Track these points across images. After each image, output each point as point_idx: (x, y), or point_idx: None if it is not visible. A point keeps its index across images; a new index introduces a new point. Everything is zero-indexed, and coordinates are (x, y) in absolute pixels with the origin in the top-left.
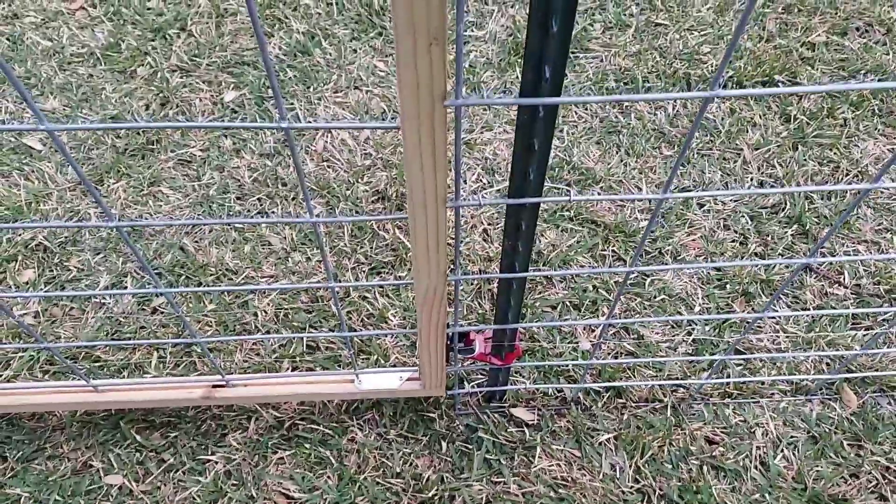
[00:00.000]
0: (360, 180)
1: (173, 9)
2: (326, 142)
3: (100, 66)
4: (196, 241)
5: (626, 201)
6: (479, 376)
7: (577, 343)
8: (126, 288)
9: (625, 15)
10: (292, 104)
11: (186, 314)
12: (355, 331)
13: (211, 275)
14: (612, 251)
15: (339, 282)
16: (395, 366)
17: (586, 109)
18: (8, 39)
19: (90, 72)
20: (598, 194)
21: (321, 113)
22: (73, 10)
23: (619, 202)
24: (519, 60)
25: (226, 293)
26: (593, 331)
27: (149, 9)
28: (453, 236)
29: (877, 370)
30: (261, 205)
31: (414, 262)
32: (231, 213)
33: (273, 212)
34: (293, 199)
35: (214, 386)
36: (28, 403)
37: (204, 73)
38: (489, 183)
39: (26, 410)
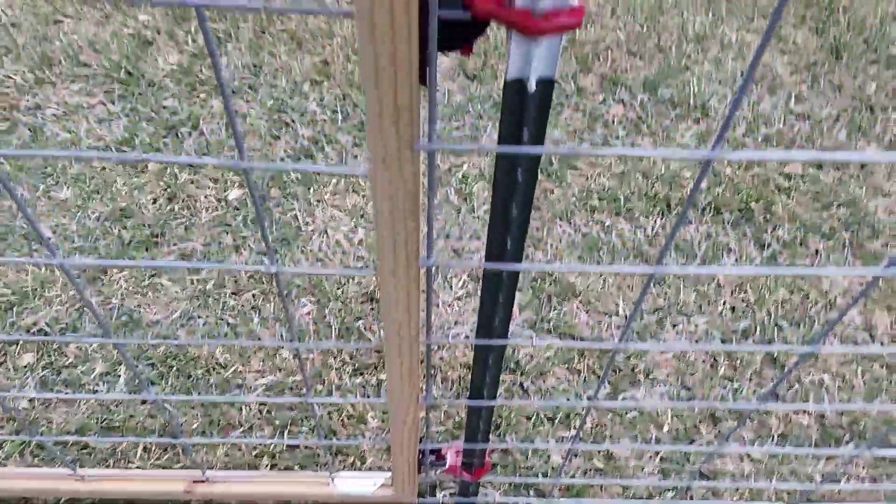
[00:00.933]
0: (351, 280)
1: (188, 108)
2: (321, 241)
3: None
4: (190, 333)
5: (602, 317)
6: (452, 485)
7: (548, 456)
8: (119, 377)
9: (611, 137)
10: (293, 206)
11: (174, 405)
12: (335, 432)
13: (201, 368)
14: (587, 365)
15: (324, 382)
16: (371, 468)
17: (570, 224)
18: (30, 129)
19: (104, 164)
20: (577, 307)
21: (319, 214)
22: (92, 104)
23: (596, 317)
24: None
25: (213, 387)
26: (564, 438)
27: (164, 107)
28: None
29: (836, 501)
30: (254, 300)
31: (388, 386)
32: (225, 307)
33: (265, 307)
34: (287, 295)
35: (195, 481)
36: (16, 489)
37: (211, 171)
38: (473, 290)
39: (14, 495)
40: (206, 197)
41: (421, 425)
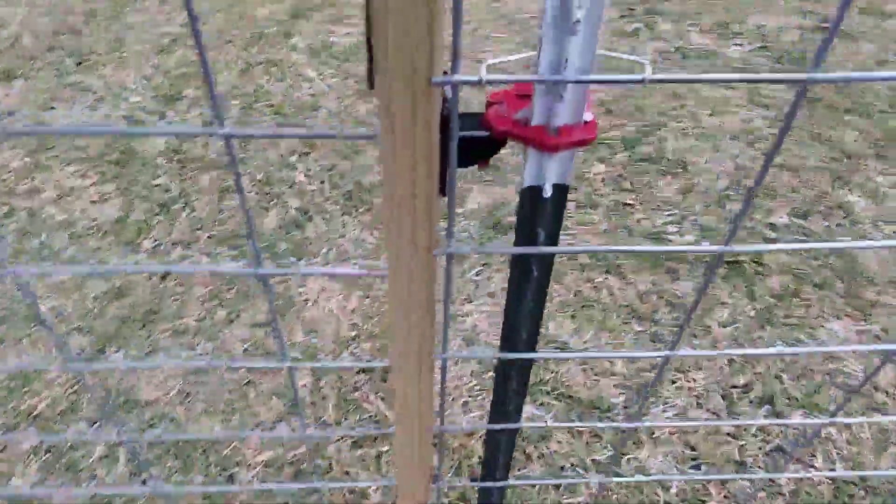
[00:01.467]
0: (345, 350)
1: (178, 185)
2: (315, 311)
3: (108, 237)
4: (188, 411)
5: (599, 377)
6: None
7: None
8: (119, 458)
9: (595, 195)
10: (286, 277)
11: (174, 483)
12: None
13: (200, 446)
14: (587, 427)
15: (323, 456)
16: None
17: (561, 284)
18: (27, 213)
19: (98, 244)
20: (574, 367)
21: (310, 284)
22: (86, 185)
23: (593, 375)
24: (497, 234)
25: (212, 465)
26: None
27: (156, 185)
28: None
29: None
30: (249, 374)
31: (398, 475)
32: (222, 381)
33: (261, 382)
34: (289, 369)
35: None
36: None
37: (203, 246)
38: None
39: None
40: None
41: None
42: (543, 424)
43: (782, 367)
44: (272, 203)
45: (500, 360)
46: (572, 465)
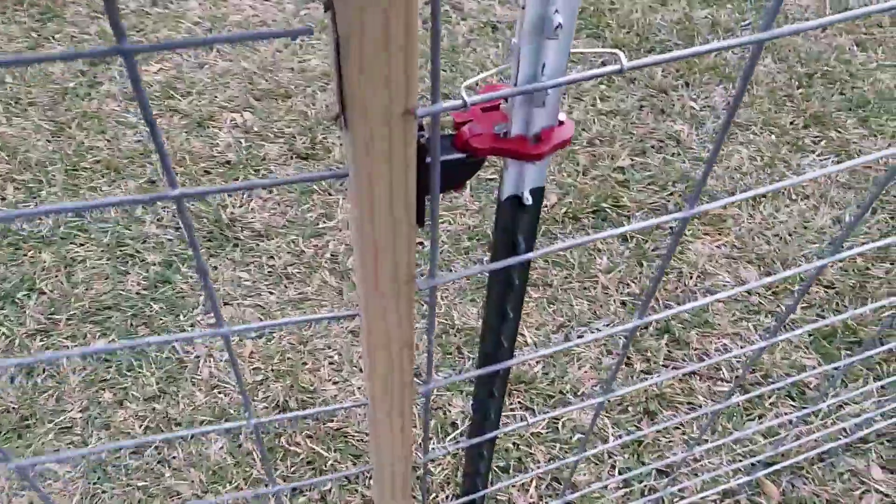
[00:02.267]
0: (255, 398)
1: (17, 271)
2: (210, 367)
3: None
4: None
5: (516, 350)
6: None
7: None
8: None
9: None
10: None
11: None
12: None
13: None
14: (519, 402)
15: None
16: None
17: (451, 270)
18: None
19: None
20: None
21: (197, 339)
22: None
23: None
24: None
25: None
26: (527, 490)
27: None
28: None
29: (785, 457)
30: (158, 453)
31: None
32: (129, 470)
33: (174, 456)
34: (193, 437)
35: None
36: None
37: (65, 329)
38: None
39: None
40: (68, 360)
41: None
42: (525, 423)
43: (664, 295)
44: (129, 265)
45: (482, 375)
46: (515, 444)
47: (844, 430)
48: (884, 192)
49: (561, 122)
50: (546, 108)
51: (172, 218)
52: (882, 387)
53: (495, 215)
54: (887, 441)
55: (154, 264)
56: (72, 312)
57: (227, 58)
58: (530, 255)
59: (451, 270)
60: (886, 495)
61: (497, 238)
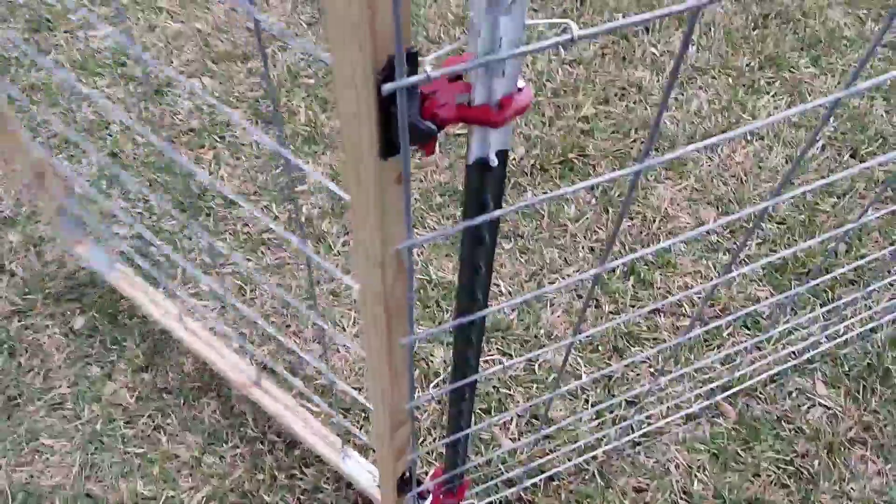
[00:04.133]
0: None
1: None
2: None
3: None
4: (100, 482)
5: (491, 300)
6: None
7: (499, 446)
8: None
9: None
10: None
11: None
12: None
13: None
14: (497, 349)
15: (262, 470)
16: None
17: (424, 227)
18: None
19: None
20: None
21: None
22: None
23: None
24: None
25: None
26: (508, 428)
27: None
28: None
29: (740, 381)
30: (152, 420)
31: (379, 456)
32: (125, 439)
33: (168, 423)
34: (185, 403)
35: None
36: None
37: (42, 308)
38: None
39: None
40: (50, 338)
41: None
42: (502, 366)
43: (631, 239)
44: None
45: (460, 326)
46: (495, 387)
47: (793, 353)
48: (832, 129)
49: (520, 89)
50: (505, 77)
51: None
52: (828, 311)
53: (465, 178)
54: (830, 360)
55: (126, 238)
56: (48, 292)
57: (178, 19)
58: (497, 212)
59: (424, 227)
60: (829, 408)
61: (467, 199)
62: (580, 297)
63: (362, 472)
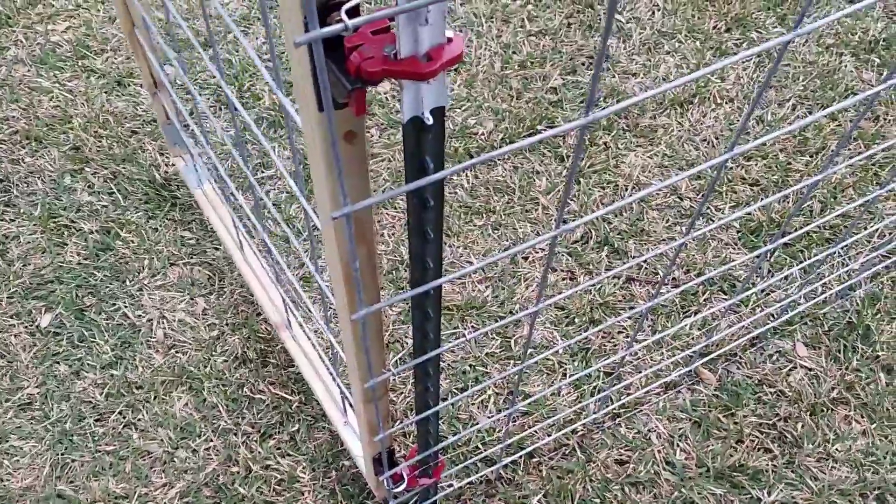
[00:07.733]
0: (213, 353)
1: None
2: (164, 328)
3: None
4: (72, 482)
5: (463, 277)
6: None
7: (476, 424)
8: None
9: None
10: (115, 305)
11: None
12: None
13: None
14: (472, 327)
15: (237, 463)
16: None
17: (395, 208)
18: None
19: None
20: None
21: (147, 302)
22: None
23: (458, 281)
24: None
25: None
26: (486, 406)
27: None
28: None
29: (719, 346)
30: (123, 417)
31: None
32: (96, 437)
33: (139, 419)
34: (156, 398)
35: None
36: None
37: (7, 307)
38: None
39: None
40: (16, 337)
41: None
42: (463, 339)
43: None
44: (65, 236)
45: (416, 295)
46: (471, 366)
47: (772, 314)
48: (801, 87)
49: (450, 40)
50: (430, 25)
51: (104, 183)
52: (804, 271)
53: (403, 140)
54: (809, 321)
55: (92, 232)
56: (12, 290)
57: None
58: (437, 175)
59: (395, 207)
60: (810, 369)
61: (406, 161)
62: (554, 270)
63: (356, 441)
